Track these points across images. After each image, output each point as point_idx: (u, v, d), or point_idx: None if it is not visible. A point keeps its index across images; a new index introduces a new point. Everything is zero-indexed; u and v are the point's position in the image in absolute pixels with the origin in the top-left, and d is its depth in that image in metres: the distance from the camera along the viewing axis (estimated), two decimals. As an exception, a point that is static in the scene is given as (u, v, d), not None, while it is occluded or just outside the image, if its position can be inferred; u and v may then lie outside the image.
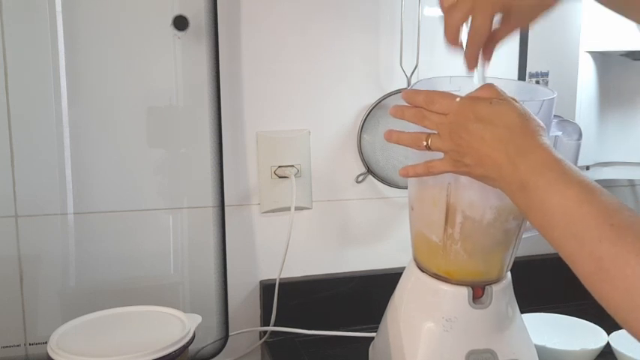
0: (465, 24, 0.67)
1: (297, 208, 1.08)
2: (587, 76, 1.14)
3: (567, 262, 0.56)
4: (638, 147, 1.18)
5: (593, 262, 0.52)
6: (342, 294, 1.13)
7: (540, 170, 0.58)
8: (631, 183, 1.31)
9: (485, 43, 0.69)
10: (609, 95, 1.17)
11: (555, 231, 0.56)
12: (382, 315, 0.88)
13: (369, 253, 1.16)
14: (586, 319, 1.03)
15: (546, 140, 0.61)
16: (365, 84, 1.10)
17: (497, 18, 0.68)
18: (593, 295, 0.53)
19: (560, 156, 0.59)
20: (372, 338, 0.92)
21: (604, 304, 0.53)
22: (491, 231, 0.76)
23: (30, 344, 0.99)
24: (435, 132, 0.67)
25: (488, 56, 0.71)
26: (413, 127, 0.70)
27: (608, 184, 1.26)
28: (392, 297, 0.86)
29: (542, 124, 0.63)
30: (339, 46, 1.08)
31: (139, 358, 0.75)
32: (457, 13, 0.66)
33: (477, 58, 0.69)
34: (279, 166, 1.08)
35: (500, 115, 0.62)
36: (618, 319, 0.52)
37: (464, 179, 0.70)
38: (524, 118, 0.62)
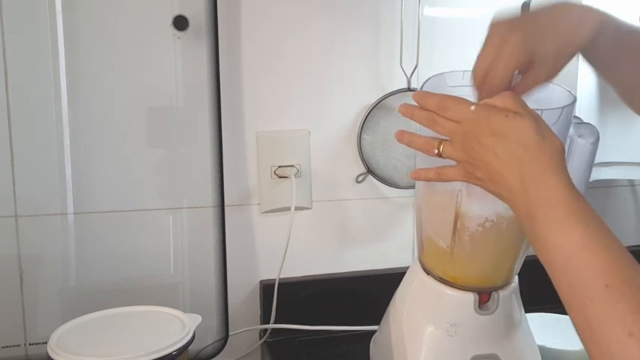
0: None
1: (297, 208, 1.08)
2: (587, 76, 1.14)
3: (563, 304, 0.55)
4: (638, 147, 1.18)
5: (583, 318, 0.52)
6: (341, 294, 1.13)
7: (549, 204, 0.56)
8: (631, 183, 1.31)
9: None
10: (609, 95, 1.17)
11: (553, 272, 0.55)
12: (382, 315, 0.88)
13: (369, 253, 1.16)
14: (586, 319, 1.03)
15: (563, 165, 0.58)
16: (365, 84, 1.10)
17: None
18: (583, 346, 0.52)
19: (572, 187, 0.57)
20: (372, 333, 0.92)
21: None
22: (500, 239, 0.75)
23: (30, 344, 0.99)
24: (447, 138, 0.64)
25: None
26: (420, 129, 0.69)
27: (608, 184, 1.26)
28: (394, 297, 0.86)
29: (561, 143, 0.60)
30: (339, 46, 1.08)
31: (139, 358, 0.75)
32: (479, 64, 0.66)
33: None
34: (279, 166, 1.08)
35: (515, 131, 0.58)
36: None
37: (475, 187, 0.68)
38: (541, 136, 0.58)
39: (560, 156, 0.59)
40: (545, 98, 0.75)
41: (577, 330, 0.53)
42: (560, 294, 0.55)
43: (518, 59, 0.64)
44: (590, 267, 0.52)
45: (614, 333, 0.49)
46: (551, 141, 0.59)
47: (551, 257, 0.55)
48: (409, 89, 1.09)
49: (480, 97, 0.67)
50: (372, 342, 0.92)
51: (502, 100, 0.61)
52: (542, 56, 0.66)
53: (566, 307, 0.54)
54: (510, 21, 0.67)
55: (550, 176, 0.57)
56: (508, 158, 0.59)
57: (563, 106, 0.69)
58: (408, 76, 1.09)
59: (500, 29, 0.66)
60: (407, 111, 0.68)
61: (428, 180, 0.70)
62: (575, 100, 0.72)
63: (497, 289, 0.78)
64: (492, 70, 0.65)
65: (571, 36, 0.66)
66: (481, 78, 0.66)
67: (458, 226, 0.74)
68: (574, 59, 1.17)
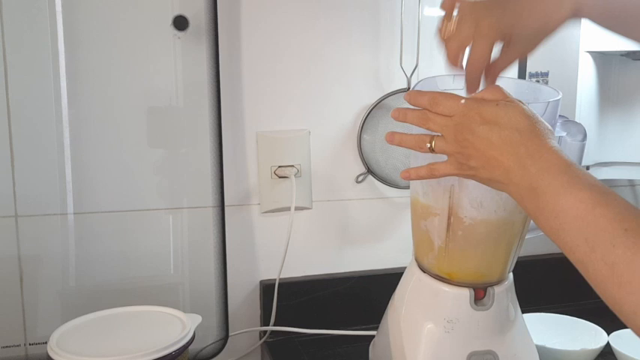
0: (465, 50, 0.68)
1: (297, 208, 1.08)
2: (587, 76, 1.14)
3: (578, 268, 0.54)
4: (638, 147, 1.18)
5: (606, 267, 0.51)
6: (341, 294, 1.13)
7: (552, 173, 0.57)
8: (631, 183, 1.31)
9: (487, 72, 0.70)
10: (609, 95, 1.17)
11: (566, 235, 0.55)
12: (382, 315, 0.88)
13: (368, 253, 1.16)
14: (586, 319, 1.03)
15: (555, 143, 0.60)
16: (365, 84, 1.10)
17: (497, 47, 0.69)
18: (606, 301, 0.52)
19: (570, 158, 0.58)
20: (372, 337, 0.92)
21: (617, 311, 0.51)
22: (494, 233, 0.75)
23: (30, 344, 0.99)
24: (439, 134, 0.65)
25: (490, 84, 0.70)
26: (415, 130, 0.69)
27: (608, 184, 1.25)
28: (392, 297, 0.86)
29: (549, 126, 0.62)
30: (339, 46, 1.08)
31: (139, 358, 0.75)
32: (455, 42, 0.68)
33: (478, 85, 0.69)
34: (279, 166, 1.08)
35: (507, 117, 0.60)
36: (632, 326, 0.51)
37: (467, 181, 0.69)
38: (532, 120, 0.60)
39: (552, 136, 0.60)
40: (531, 98, 0.76)
41: (599, 284, 0.52)
42: (574, 257, 0.54)
43: (494, 39, 0.66)
44: (605, 217, 0.52)
45: None
46: (542, 124, 0.61)
47: (562, 221, 0.55)
48: (409, 89, 1.09)
49: (467, 79, 0.69)
50: (371, 345, 0.92)
51: (490, 93, 0.63)
52: (517, 36, 0.67)
53: (583, 268, 0.54)
54: (487, 1, 0.69)
55: (546, 151, 0.58)
56: (503, 143, 0.60)
57: (549, 101, 0.71)
58: (408, 76, 1.09)
59: (473, 8, 0.68)
60: (399, 114, 0.69)
61: (419, 178, 0.70)
62: (560, 97, 0.73)
63: (492, 284, 0.78)
64: (472, 49, 0.67)
65: (547, 18, 0.68)
66: (456, 59, 0.68)
67: (452, 221, 0.75)
68: (573, 60, 1.17)
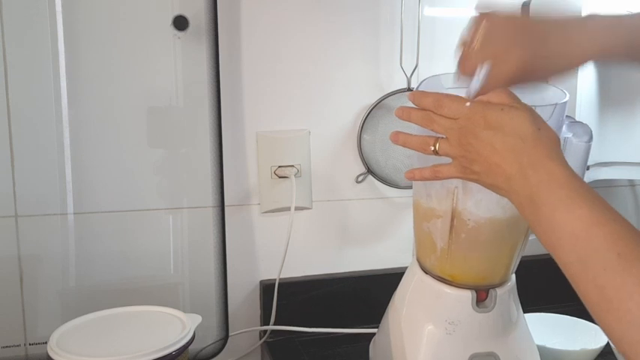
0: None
1: (297, 208, 1.08)
2: (587, 76, 1.14)
3: (571, 284, 0.54)
4: (638, 147, 1.18)
5: (596, 289, 0.51)
6: (341, 294, 1.13)
7: (551, 185, 0.56)
8: (631, 183, 1.31)
9: None
10: (609, 95, 1.17)
11: (561, 251, 0.54)
12: (382, 315, 0.88)
13: (368, 253, 1.16)
14: (586, 319, 1.03)
15: (560, 153, 0.59)
16: (365, 84, 1.10)
17: None
18: (597, 322, 0.52)
19: (573, 171, 0.57)
20: (372, 336, 0.92)
21: (606, 333, 0.51)
22: (497, 236, 0.75)
23: (30, 344, 0.99)
24: (444, 136, 0.65)
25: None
26: (417, 129, 0.69)
27: (608, 184, 1.26)
28: (393, 297, 0.86)
29: (556, 134, 0.61)
30: (339, 46, 1.08)
31: (139, 358, 0.75)
32: (476, 57, 0.66)
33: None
34: (279, 166, 1.08)
35: (512, 123, 0.59)
36: (620, 350, 0.50)
37: (471, 184, 0.68)
38: (537, 127, 0.59)
39: (557, 145, 0.59)
40: (538, 98, 0.75)
41: (589, 305, 0.52)
42: (568, 273, 0.54)
43: (516, 74, 0.65)
44: (600, 239, 0.52)
45: (632, 297, 0.48)
46: (547, 132, 0.60)
47: (557, 237, 0.54)
48: (409, 89, 1.09)
49: (475, 93, 0.66)
50: (371, 343, 0.92)
51: (497, 96, 0.62)
52: (538, 75, 0.66)
53: (575, 285, 0.53)
54: (517, 26, 0.66)
55: (549, 162, 0.57)
56: (505, 150, 0.59)
57: (556, 103, 0.70)
58: (408, 76, 1.09)
59: (506, 28, 0.65)
60: (403, 113, 0.69)
61: (423, 179, 0.70)
62: (567, 99, 0.72)
63: (494, 286, 0.78)
64: (491, 75, 0.65)
65: (575, 60, 0.66)
66: (469, 70, 0.66)
67: (455, 224, 0.74)
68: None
